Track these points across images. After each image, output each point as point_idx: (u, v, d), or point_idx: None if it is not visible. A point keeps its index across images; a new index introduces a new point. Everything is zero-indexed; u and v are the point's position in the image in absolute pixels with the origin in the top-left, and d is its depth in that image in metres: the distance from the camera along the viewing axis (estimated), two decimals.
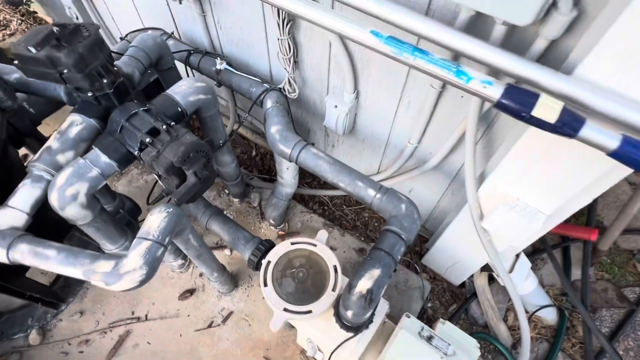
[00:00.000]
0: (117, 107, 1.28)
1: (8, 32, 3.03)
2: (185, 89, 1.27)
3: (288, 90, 1.55)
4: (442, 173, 1.56)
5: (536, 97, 0.77)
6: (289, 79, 1.52)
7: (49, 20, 2.94)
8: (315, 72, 1.54)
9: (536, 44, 0.88)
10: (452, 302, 1.89)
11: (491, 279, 1.85)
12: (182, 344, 1.71)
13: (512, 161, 1.11)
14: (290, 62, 1.48)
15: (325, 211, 2.16)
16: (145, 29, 1.78)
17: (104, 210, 1.24)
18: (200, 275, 1.87)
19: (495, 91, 0.80)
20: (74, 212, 1.09)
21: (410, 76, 1.26)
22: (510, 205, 1.19)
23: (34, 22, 3.04)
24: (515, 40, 0.92)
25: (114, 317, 1.76)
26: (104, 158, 1.12)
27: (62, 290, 1.81)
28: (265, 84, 1.57)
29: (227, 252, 1.93)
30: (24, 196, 1.07)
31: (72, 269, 0.94)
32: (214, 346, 1.70)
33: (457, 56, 0.98)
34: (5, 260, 0.99)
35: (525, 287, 1.73)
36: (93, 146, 1.14)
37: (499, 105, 0.81)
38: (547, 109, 0.75)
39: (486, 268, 1.77)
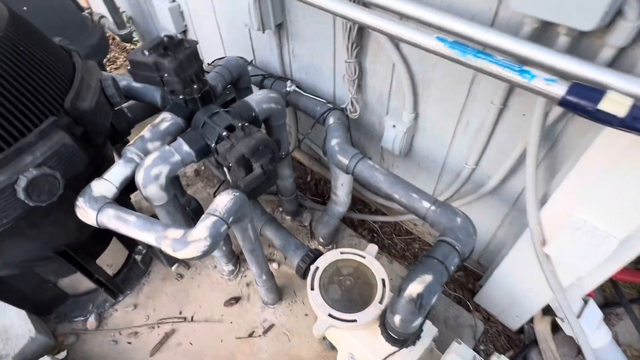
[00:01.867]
0: (201, 110, 1.46)
1: (114, 67, 3.59)
2: (260, 97, 1.43)
3: (350, 110, 1.66)
4: (499, 199, 1.52)
5: (603, 92, 0.78)
6: (351, 100, 1.64)
7: None
8: (376, 95, 1.64)
9: (603, 53, 0.90)
10: (508, 347, 1.73)
11: (555, 327, 1.68)
12: (222, 349, 1.71)
13: (578, 177, 1.08)
14: (354, 84, 1.60)
15: (375, 238, 2.15)
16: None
17: (177, 197, 1.37)
18: (247, 285, 1.91)
19: (559, 88, 0.82)
20: (153, 191, 1.23)
21: (471, 95, 1.31)
22: (577, 226, 1.13)
23: None
24: (580, 51, 0.95)
25: (163, 313, 1.84)
26: (186, 147, 1.27)
27: (122, 282, 1.94)
28: (328, 104, 1.71)
29: (274, 265, 1.97)
30: (117, 172, 1.23)
31: (147, 234, 1.05)
32: (252, 356, 1.69)
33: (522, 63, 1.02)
34: (93, 222, 1.12)
35: (597, 339, 1.54)
36: (178, 137, 1.30)
37: (563, 103, 0.83)
38: (616, 103, 0.76)
39: (549, 312, 1.62)
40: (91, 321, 1.81)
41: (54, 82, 1.22)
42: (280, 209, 2.22)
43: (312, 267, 1.41)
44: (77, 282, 1.87)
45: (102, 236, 1.80)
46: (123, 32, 2.77)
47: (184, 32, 2.50)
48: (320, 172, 2.46)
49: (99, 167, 1.44)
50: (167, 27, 2.45)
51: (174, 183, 1.58)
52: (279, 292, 1.82)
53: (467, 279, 1.95)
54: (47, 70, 1.20)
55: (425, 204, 1.29)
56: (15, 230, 1.18)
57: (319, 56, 1.75)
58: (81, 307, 1.87)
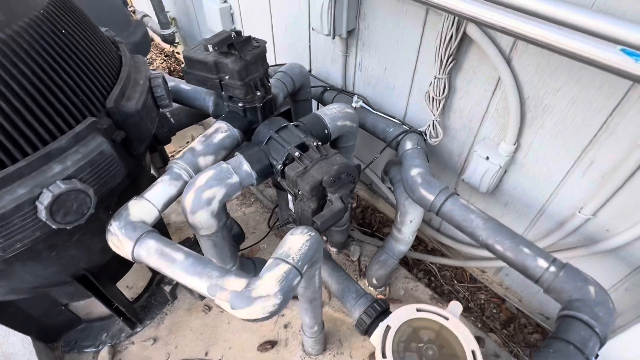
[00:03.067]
0: (259, 122, 1.23)
1: (151, 68, 3.45)
2: (335, 112, 1.19)
3: (431, 134, 1.40)
4: (617, 258, 1.22)
5: None
6: (433, 123, 1.38)
7: None
8: (463, 119, 1.38)
9: None
10: None
11: None
12: None
13: None
14: (439, 104, 1.35)
15: (432, 282, 1.85)
16: (282, 64, 1.83)
17: (226, 225, 1.12)
18: (285, 327, 1.63)
19: None
20: (203, 218, 0.98)
21: (605, 129, 1.04)
22: None
23: (174, 62, 3.44)
24: None
25: (186, 353, 1.57)
26: (246, 166, 1.03)
27: (142, 310, 1.69)
28: (404, 126, 1.45)
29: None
30: (160, 192, 0.99)
31: (197, 280, 0.80)
32: None
33: None
34: (128, 255, 0.88)
35: None
36: (237, 153, 1.06)
37: None
38: None
39: None
40: (103, 354, 1.56)
41: (97, 75, 1.00)
42: (325, 238, 1.95)
43: (381, 325, 1.13)
44: (92, 305, 1.63)
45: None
46: (166, 32, 2.61)
47: None
48: (368, 199, 2.19)
49: (135, 182, 1.21)
50: (214, 28, 2.27)
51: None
52: (325, 341, 1.54)
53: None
54: (90, 60, 0.99)
55: (542, 263, 1.01)
56: (29, 253, 0.94)
57: (394, 70, 1.51)
58: (93, 336, 1.62)
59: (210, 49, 1.03)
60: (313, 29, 1.53)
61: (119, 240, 0.87)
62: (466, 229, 1.14)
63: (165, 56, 3.53)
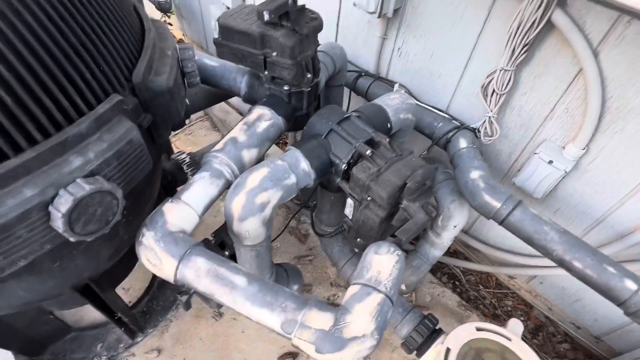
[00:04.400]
0: (303, 110, 1.05)
1: None
2: (397, 103, 1.02)
3: (486, 132, 1.26)
4: None
5: None
6: (490, 120, 1.25)
7: (178, 35, 2.99)
8: (521, 118, 1.26)
9: None
10: None
11: None
12: None
13: None
14: (499, 100, 1.21)
15: (457, 287, 1.75)
16: None
17: (270, 234, 0.94)
18: None
19: None
20: (253, 226, 0.80)
21: None
22: None
23: None
24: None
25: None
26: (304, 164, 0.85)
27: (142, 316, 1.49)
28: (454, 121, 1.31)
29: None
30: (201, 192, 0.80)
31: (267, 313, 0.62)
32: None
33: None
34: (170, 277, 0.69)
35: None
36: (292, 147, 0.88)
37: None
38: None
39: None
40: None
41: (120, 39, 0.78)
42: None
43: (439, 347, 1.01)
44: (82, 311, 1.41)
45: (130, 257, 1.35)
46: None
47: None
48: None
49: (152, 176, 1.00)
50: None
51: None
52: None
53: (576, 356, 1.57)
54: (114, 26, 0.77)
55: (631, 285, 0.90)
56: (28, 267, 0.73)
57: (443, 57, 1.35)
58: (86, 347, 1.41)
59: (266, 16, 0.83)
60: (355, 4, 1.34)
61: (157, 257, 0.68)
62: (537, 242, 1.03)
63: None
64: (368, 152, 0.83)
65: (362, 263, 0.72)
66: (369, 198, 0.84)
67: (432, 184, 0.85)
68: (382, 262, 0.70)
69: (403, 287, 1.59)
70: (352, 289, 0.67)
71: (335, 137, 0.89)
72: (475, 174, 1.13)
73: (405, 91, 1.41)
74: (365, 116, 0.97)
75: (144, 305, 1.52)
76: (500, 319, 1.67)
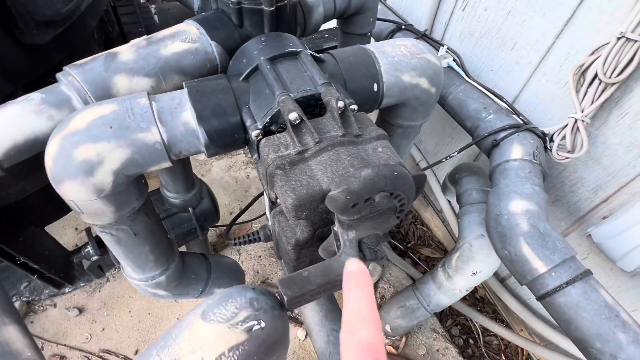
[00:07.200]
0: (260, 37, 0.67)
1: None
2: (401, 55, 0.59)
3: (564, 143, 0.77)
4: None
5: None
6: (576, 123, 0.75)
7: None
8: (636, 133, 0.74)
9: None
10: None
11: None
12: None
13: None
14: (600, 94, 0.71)
15: (469, 347, 1.29)
16: None
17: (150, 214, 0.61)
18: None
19: None
20: (76, 195, 0.48)
21: None
22: None
23: None
24: None
25: (112, 341, 1.16)
26: (188, 115, 0.49)
27: (79, 266, 1.29)
28: (514, 116, 0.83)
29: (300, 332, 1.21)
30: (9, 121, 0.49)
31: None
32: None
33: None
34: None
35: None
36: (184, 84, 0.52)
37: None
38: None
39: None
40: None
41: None
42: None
43: None
44: None
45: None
46: None
47: None
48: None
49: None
50: None
51: (170, 170, 0.86)
52: None
53: None
54: None
55: None
56: None
57: (526, 16, 0.86)
58: (12, 281, 1.25)
59: None
60: None
61: None
62: (593, 347, 0.56)
63: None
64: (294, 116, 0.44)
65: (177, 328, 0.36)
66: (278, 200, 0.46)
67: (398, 205, 0.44)
68: (203, 337, 0.33)
69: (388, 328, 1.18)
70: None
71: (259, 81, 0.51)
72: (518, 206, 0.67)
73: (454, 60, 0.95)
74: (336, 62, 0.56)
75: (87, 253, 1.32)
76: None
